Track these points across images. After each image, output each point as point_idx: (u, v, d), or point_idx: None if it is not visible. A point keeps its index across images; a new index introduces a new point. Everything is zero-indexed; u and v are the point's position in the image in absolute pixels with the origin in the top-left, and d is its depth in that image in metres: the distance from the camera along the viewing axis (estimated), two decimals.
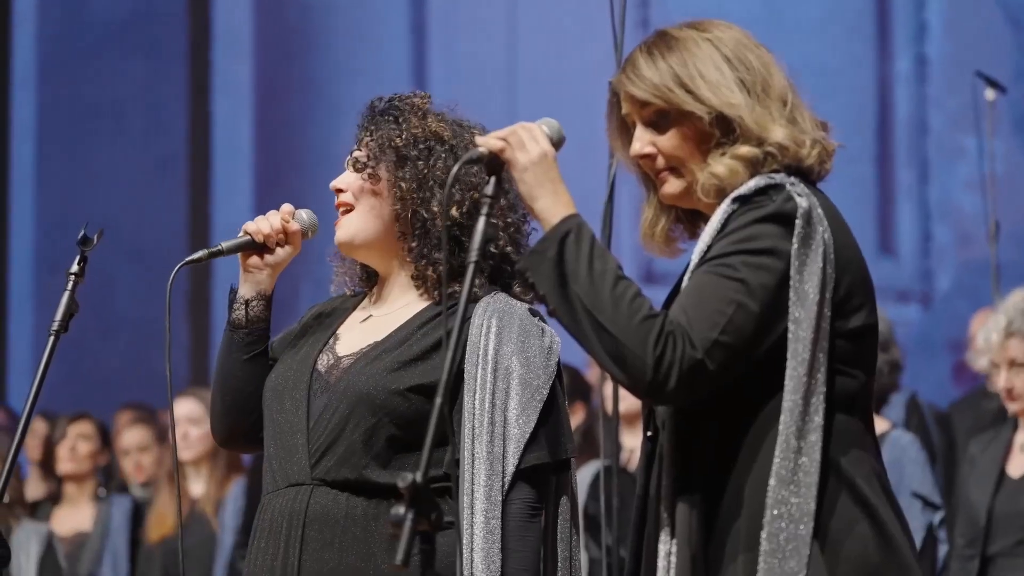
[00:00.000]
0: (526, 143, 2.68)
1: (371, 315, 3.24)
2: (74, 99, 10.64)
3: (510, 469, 3.03)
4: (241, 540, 6.42)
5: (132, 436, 7.37)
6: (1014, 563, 5.04)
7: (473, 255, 2.60)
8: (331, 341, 3.22)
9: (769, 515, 2.57)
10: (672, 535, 2.67)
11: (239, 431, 3.29)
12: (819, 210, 2.64)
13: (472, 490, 3.02)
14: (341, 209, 3.23)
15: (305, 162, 10.04)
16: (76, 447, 6.99)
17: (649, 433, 2.77)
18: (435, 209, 3.15)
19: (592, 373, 6.56)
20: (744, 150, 2.69)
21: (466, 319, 3.07)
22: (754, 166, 2.69)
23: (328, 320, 3.28)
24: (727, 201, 2.67)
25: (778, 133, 2.70)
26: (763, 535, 2.57)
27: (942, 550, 5.40)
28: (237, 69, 10.61)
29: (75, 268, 3.26)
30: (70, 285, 3.26)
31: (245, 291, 3.27)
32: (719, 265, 2.61)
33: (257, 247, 3.26)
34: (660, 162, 2.76)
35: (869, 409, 2.73)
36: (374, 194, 3.20)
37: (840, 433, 2.64)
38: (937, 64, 9.83)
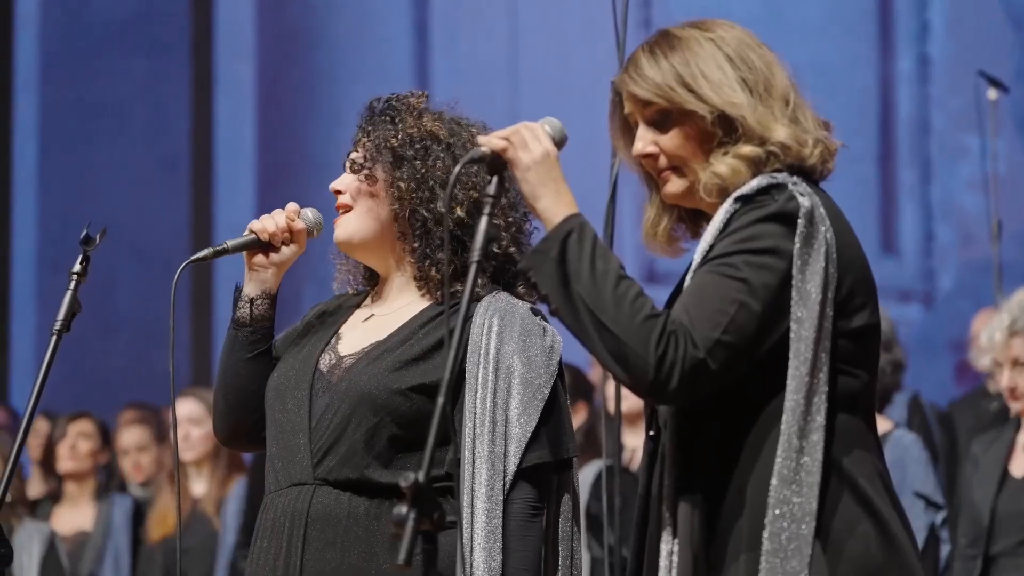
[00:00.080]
0: (528, 142, 2.68)
1: (373, 314, 3.25)
2: (76, 99, 10.64)
3: (511, 468, 3.03)
4: (242, 539, 6.42)
5: (130, 436, 7.38)
6: (1017, 563, 5.03)
7: (475, 255, 2.60)
8: (333, 340, 3.22)
9: (771, 515, 2.57)
10: (674, 535, 2.67)
11: (242, 430, 3.29)
12: (821, 209, 2.64)
13: (473, 489, 3.02)
14: (341, 210, 3.24)
15: (307, 161, 10.05)
16: (76, 446, 6.98)
17: (651, 433, 2.77)
18: (436, 209, 3.15)
19: (594, 372, 6.56)
20: (746, 149, 2.69)
21: (468, 318, 3.07)
22: (756, 165, 2.69)
23: (331, 319, 3.28)
24: (729, 201, 2.67)
25: (780, 132, 2.70)
26: (765, 535, 2.57)
27: (944, 550, 5.39)
28: (239, 68, 10.62)
29: (78, 267, 3.26)
30: (73, 284, 3.26)
31: (250, 289, 3.27)
32: (721, 265, 2.61)
33: (262, 246, 3.26)
34: (662, 161, 2.77)
35: (871, 409, 2.73)
36: (371, 195, 3.21)
37: (842, 433, 2.64)
38: (939, 64, 9.82)
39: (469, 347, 3.08)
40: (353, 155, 3.24)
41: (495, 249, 3.13)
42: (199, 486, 6.92)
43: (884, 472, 2.70)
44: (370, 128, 3.23)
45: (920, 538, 5.24)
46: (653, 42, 2.77)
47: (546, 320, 3.13)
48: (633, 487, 2.93)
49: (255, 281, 3.27)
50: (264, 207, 3.45)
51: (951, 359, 9.08)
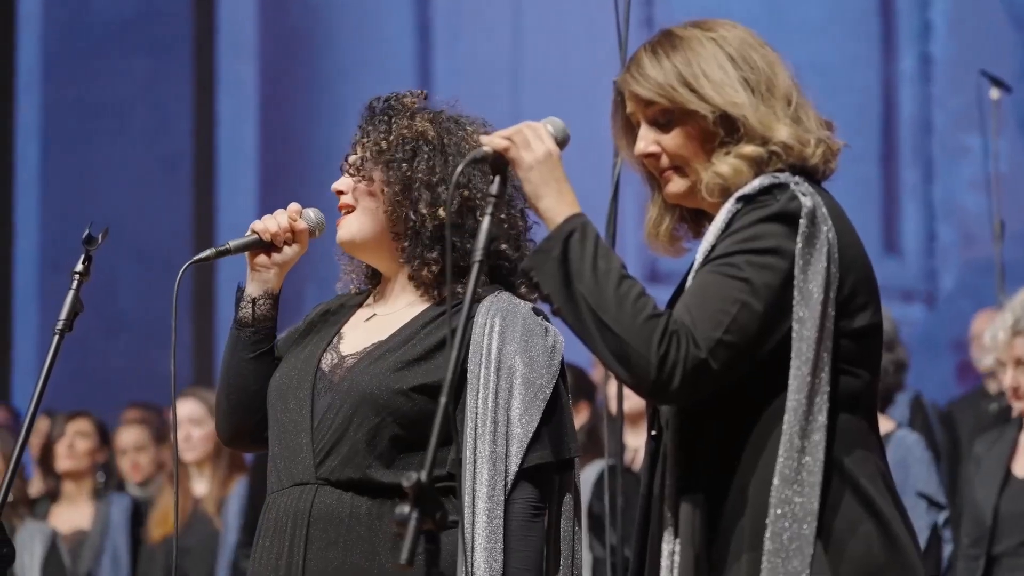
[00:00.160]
0: (531, 142, 2.68)
1: (375, 314, 3.25)
2: (78, 99, 10.65)
3: (513, 469, 3.03)
4: (244, 539, 6.43)
5: (129, 436, 7.39)
6: (1019, 563, 5.03)
7: (478, 254, 2.60)
8: (335, 340, 3.22)
9: (772, 514, 2.57)
10: (676, 535, 2.67)
11: (244, 430, 3.29)
12: (823, 209, 2.64)
13: (474, 489, 3.02)
14: (343, 210, 3.24)
15: (309, 161, 10.05)
16: (74, 445, 6.98)
17: (653, 432, 2.77)
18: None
19: (596, 372, 6.56)
20: (748, 149, 2.69)
21: (469, 318, 3.07)
22: (758, 165, 2.69)
23: (333, 318, 3.28)
24: (731, 200, 2.67)
25: (782, 132, 2.70)
26: (766, 535, 2.57)
27: (947, 550, 5.39)
28: (241, 68, 10.62)
29: (80, 267, 3.26)
30: (75, 284, 3.26)
31: (252, 290, 3.27)
32: (723, 264, 2.61)
33: (265, 246, 3.26)
34: (664, 161, 2.76)
35: (873, 408, 2.73)
36: (371, 195, 3.21)
37: (844, 432, 2.64)
38: (941, 63, 9.82)
39: (471, 347, 3.08)
40: (351, 157, 3.25)
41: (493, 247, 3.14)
42: (200, 486, 6.93)
43: (886, 472, 2.70)
44: (369, 128, 3.24)
45: (922, 538, 5.24)
46: (655, 42, 2.77)
47: (548, 320, 3.13)
48: (635, 487, 2.92)
49: (257, 281, 3.27)
50: (266, 207, 3.45)
51: (953, 359, 9.08)
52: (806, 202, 2.62)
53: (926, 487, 5.33)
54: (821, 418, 2.59)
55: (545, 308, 3.02)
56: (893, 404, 5.91)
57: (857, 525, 2.61)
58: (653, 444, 2.77)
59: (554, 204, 2.66)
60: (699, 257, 2.68)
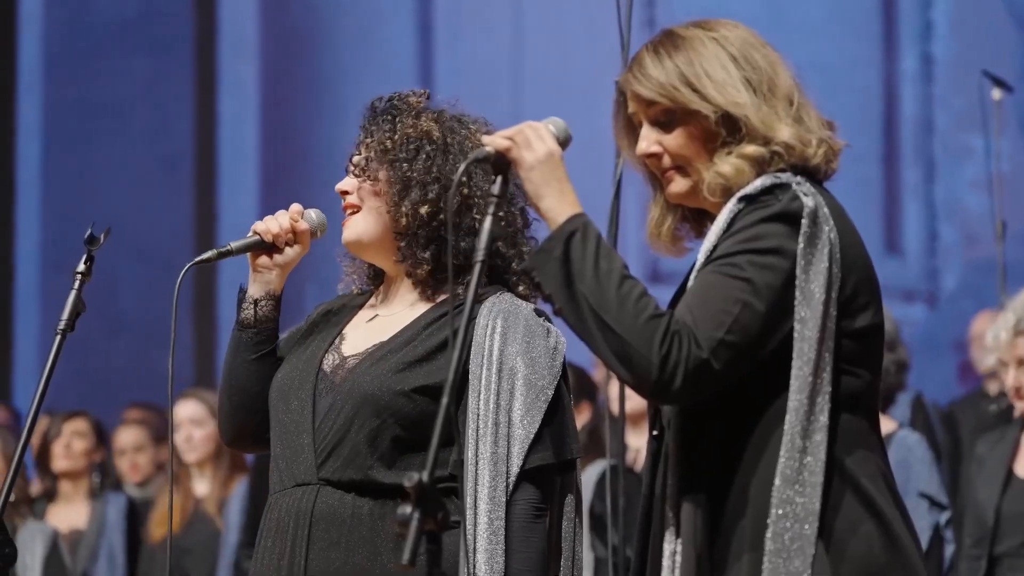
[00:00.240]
0: (532, 142, 2.68)
1: (377, 314, 3.25)
2: (80, 99, 10.65)
3: (514, 470, 3.03)
4: (245, 539, 6.43)
5: (128, 436, 7.40)
6: (1021, 563, 5.03)
7: (480, 254, 2.60)
8: (337, 340, 3.22)
9: (774, 515, 2.57)
10: (677, 535, 2.67)
11: (246, 431, 3.29)
12: (825, 209, 2.64)
13: (476, 491, 3.02)
14: (348, 211, 3.24)
15: (311, 161, 10.05)
16: (71, 444, 6.98)
17: (655, 432, 2.77)
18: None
19: (598, 373, 6.56)
20: (750, 149, 2.69)
21: (471, 319, 3.07)
22: (760, 165, 2.69)
23: (336, 318, 3.28)
24: (733, 200, 2.67)
25: (784, 132, 2.70)
26: (768, 535, 2.57)
27: (948, 550, 5.39)
28: (243, 68, 10.62)
29: (82, 267, 3.26)
30: (77, 284, 3.25)
31: (254, 291, 3.27)
32: (725, 264, 2.61)
33: (266, 247, 3.26)
34: (666, 161, 2.76)
35: (875, 408, 2.73)
36: (376, 195, 3.21)
37: (845, 433, 2.64)
38: (943, 63, 9.82)
39: (473, 348, 3.08)
40: (356, 157, 3.25)
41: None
42: (201, 486, 6.94)
43: (887, 472, 2.70)
44: (372, 128, 3.24)
45: (924, 538, 5.24)
46: (657, 42, 2.77)
47: (550, 321, 3.13)
48: (637, 487, 2.92)
49: (259, 282, 3.27)
50: (267, 207, 3.45)
51: (955, 359, 9.08)
52: (808, 202, 2.62)
53: (928, 487, 5.33)
54: (823, 418, 2.59)
55: (547, 308, 3.02)
56: (894, 404, 5.91)
57: (858, 525, 2.61)
58: (655, 444, 2.77)
59: (556, 204, 2.66)
60: (701, 257, 2.68)
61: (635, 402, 5.49)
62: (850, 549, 2.60)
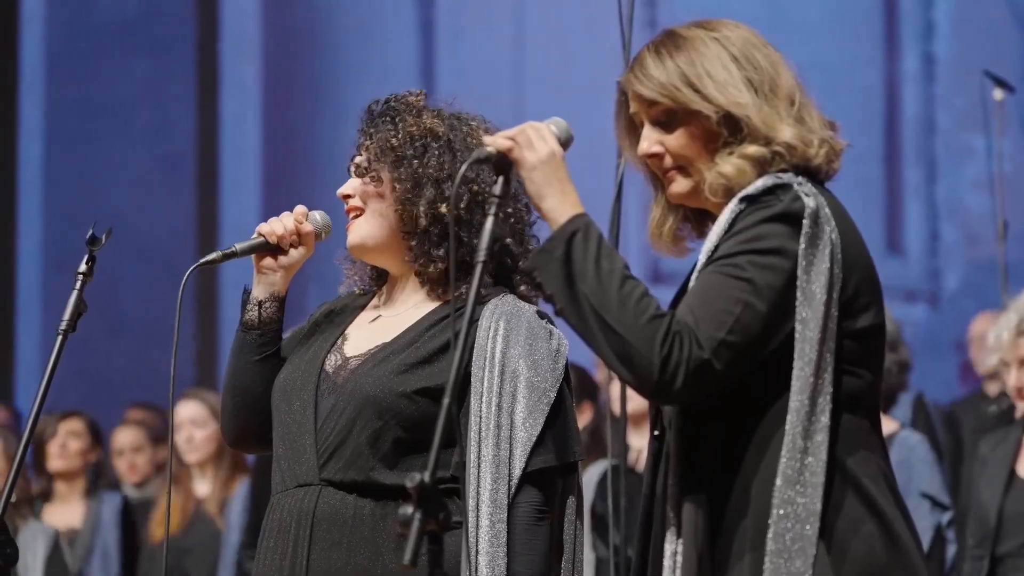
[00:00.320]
0: (534, 142, 2.68)
1: (380, 315, 3.24)
2: (82, 99, 10.65)
3: (516, 473, 3.03)
4: (246, 540, 6.44)
5: (126, 436, 7.40)
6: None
7: (481, 255, 2.60)
8: (339, 341, 3.22)
9: (775, 515, 2.57)
10: (678, 535, 2.67)
11: (249, 431, 3.29)
12: (826, 210, 2.64)
13: (478, 493, 3.02)
14: (352, 214, 3.23)
15: (313, 161, 10.05)
16: (66, 444, 6.97)
17: (656, 433, 2.77)
18: (431, 207, 3.15)
19: (600, 373, 6.56)
20: (752, 149, 2.69)
21: (473, 321, 3.06)
22: (762, 165, 2.69)
23: (338, 318, 3.28)
24: (734, 201, 2.67)
25: (786, 132, 2.70)
26: (769, 535, 2.57)
27: (951, 550, 5.39)
28: (245, 68, 10.62)
29: (83, 267, 3.26)
30: (78, 284, 3.25)
31: (259, 292, 3.27)
32: (726, 265, 2.61)
33: (271, 248, 3.26)
34: (668, 161, 2.76)
35: (876, 409, 2.73)
36: (379, 196, 3.20)
37: (846, 433, 2.64)
38: (945, 63, 9.82)
39: (475, 351, 3.07)
40: (357, 159, 3.24)
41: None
42: (203, 487, 6.94)
43: (889, 472, 2.70)
44: (372, 130, 3.23)
45: (926, 539, 5.24)
46: (658, 42, 2.77)
47: (552, 323, 3.13)
48: (638, 487, 2.92)
49: (263, 284, 3.28)
50: (269, 207, 3.46)
51: (956, 359, 9.07)
52: (809, 202, 2.62)
53: (930, 488, 5.34)
54: (824, 419, 2.59)
55: (549, 309, 3.02)
56: (896, 404, 5.91)
57: (859, 525, 2.61)
58: (656, 444, 2.77)
59: (557, 204, 2.66)
60: (702, 257, 2.68)
61: (636, 402, 5.49)
62: (851, 549, 2.60)
